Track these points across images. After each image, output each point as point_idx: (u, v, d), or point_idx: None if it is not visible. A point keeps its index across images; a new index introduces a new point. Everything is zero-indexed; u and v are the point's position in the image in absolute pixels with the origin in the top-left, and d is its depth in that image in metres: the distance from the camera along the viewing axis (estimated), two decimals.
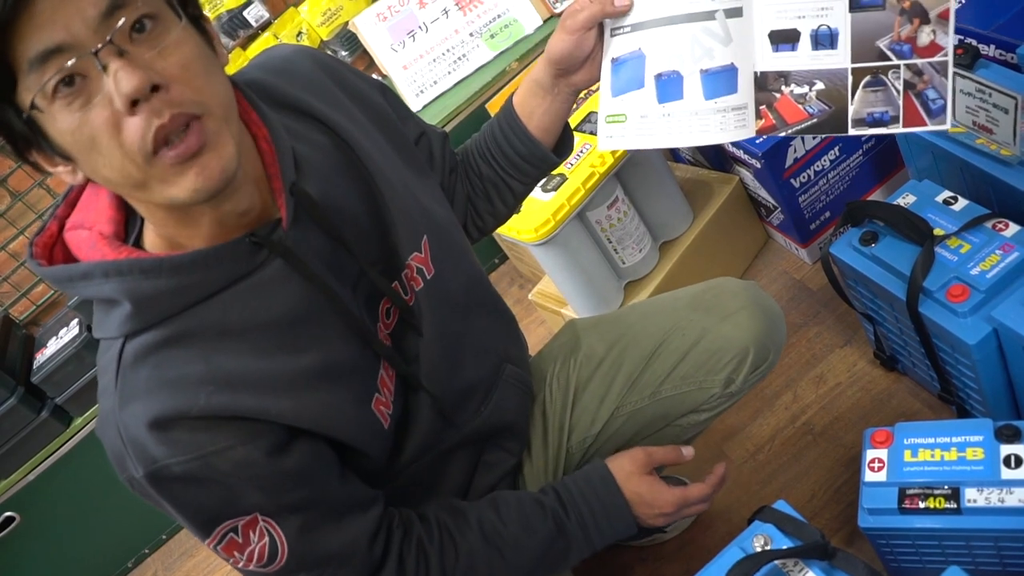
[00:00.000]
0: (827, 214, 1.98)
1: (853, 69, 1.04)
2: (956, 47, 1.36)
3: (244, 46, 2.70)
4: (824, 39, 1.04)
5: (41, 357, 2.40)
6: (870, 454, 1.30)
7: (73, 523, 2.52)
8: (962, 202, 1.41)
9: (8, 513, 2.40)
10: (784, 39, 1.06)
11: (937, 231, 1.37)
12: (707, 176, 2.12)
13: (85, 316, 2.44)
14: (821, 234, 2.00)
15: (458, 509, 1.18)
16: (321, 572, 1.04)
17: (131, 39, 0.80)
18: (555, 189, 1.84)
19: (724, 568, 1.09)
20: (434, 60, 2.54)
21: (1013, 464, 1.18)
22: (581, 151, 1.91)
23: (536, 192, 1.86)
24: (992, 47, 1.57)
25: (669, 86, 1.09)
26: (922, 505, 1.21)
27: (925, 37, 1.01)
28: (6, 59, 0.76)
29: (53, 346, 2.40)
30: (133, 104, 0.79)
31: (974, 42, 1.59)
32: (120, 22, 0.78)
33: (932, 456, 1.25)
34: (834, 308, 1.89)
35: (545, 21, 2.50)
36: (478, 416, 1.25)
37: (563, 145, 1.28)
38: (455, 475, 1.28)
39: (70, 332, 2.39)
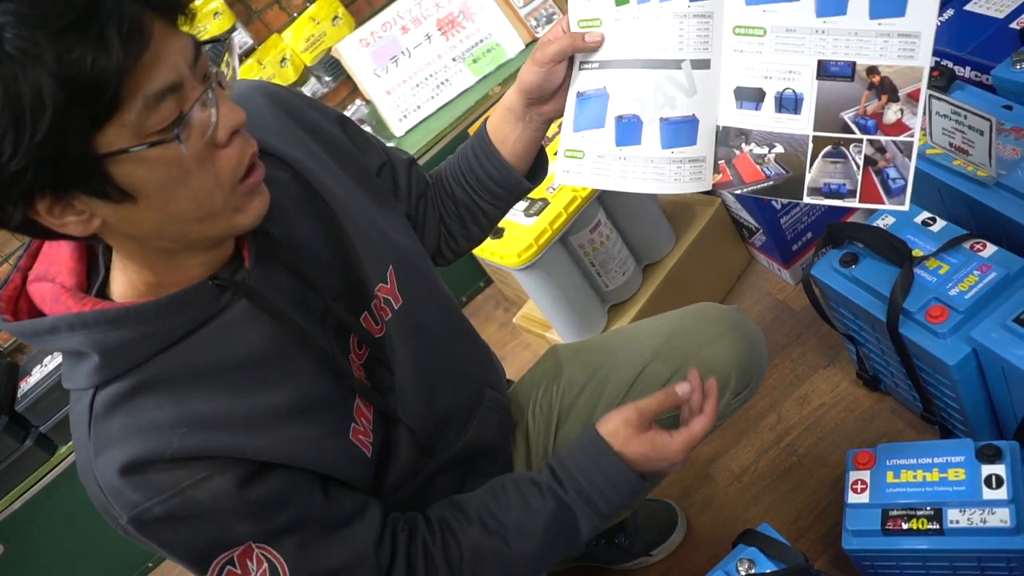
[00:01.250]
0: (808, 235, 1.99)
1: (815, 137, 1.01)
2: (932, 69, 1.38)
3: None
4: (788, 103, 1.02)
5: (25, 386, 2.39)
6: (853, 475, 1.31)
7: (58, 552, 2.49)
8: (940, 223, 1.43)
9: None
10: (749, 97, 1.04)
11: (916, 252, 1.39)
12: (689, 198, 2.13)
13: None
14: (803, 255, 2.01)
15: (458, 504, 1.16)
16: None
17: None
18: (537, 214, 1.84)
19: None
20: (417, 85, 2.56)
21: (994, 484, 1.18)
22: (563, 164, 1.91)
23: (519, 217, 1.87)
24: (968, 69, 1.59)
25: (628, 130, 1.08)
26: (905, 526, 1.22)
27: (892, 115, 0.98)
28: (118, 95, 0.75)
29: (38, 374, 2.39)
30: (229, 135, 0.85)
31: (950, 64, 1.61)
32: (211, 67, 0.84)
33: (914, 477, 1.25)
34: (817, 329, 1.90)
35: (527, 45, 2.52)
36: (458, 441, 1.24)
37: (536, 170, 1.28)
38: (440, 499, 1.27)
39: (55, 360, 2.38)
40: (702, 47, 1.04)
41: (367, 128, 2.59)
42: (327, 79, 2.72)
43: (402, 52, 2.56)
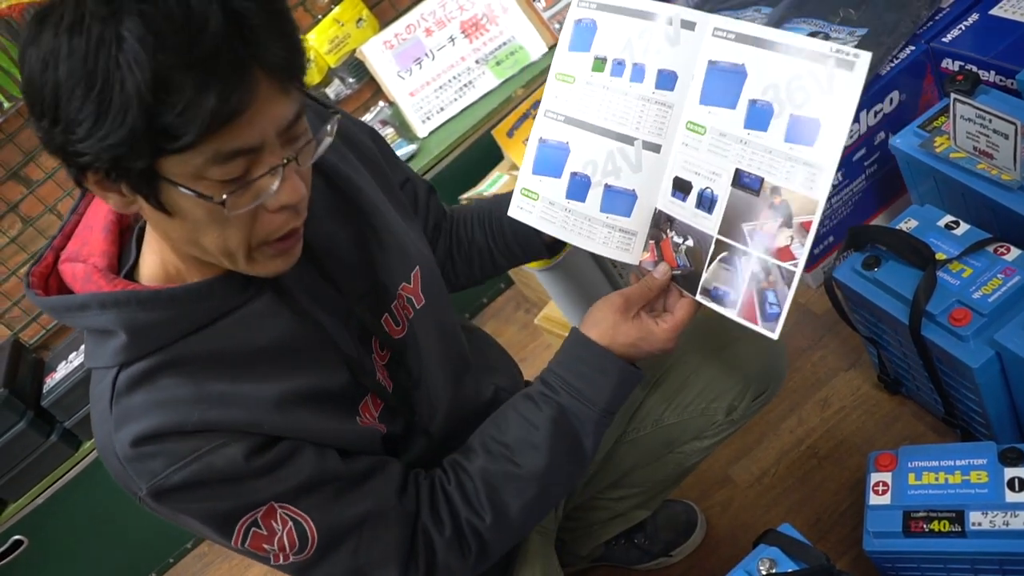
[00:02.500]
0: (830, 239, 1.99)
1: (717, 239, 1.04)
2: (957, 73, 1.38)
3: None
4: (706, 201, 1.06)
5: (51, 381, 2.41)
6: (874, 477, 1.31)
7: (81, 547, 2.52)
8: (964, 227, 1.43)
9: (16, 537, 2.40)
10: (681, 188, 1.09)
11: (939, 255, 1.39)
12: None
13: None
14: (825, 258, 2.01)
15: (465, 443, 1.16)
16: (360, 537, 1.02)
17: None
18: None
19: None
20: (440, 87, 2.57)
21: (1017, 487, 1.18)
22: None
23: None
24: (992, 73, 1.59)
25: (578, 186, 1.15)
26: (927, 528, 1.22)
27: (783, 239, 0.99)
28: (188, 147, 0.77)
29: (63, 370, 2.41)
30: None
31: (974, 68, 1.61)
32: (297, 133, 0.85)
33: (936, 479, 1.25)
34: (838, 332, 1.90)
35: (550, 48, 2.53)
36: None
37: (557, 245, 1.31)
38: None
39: (79, 357, 2.40)
40: (657, 132, 1.10)
41: (390, 130, 2.60)
42: (351, 81, 2.73)
43: (426, 54, 2.57)
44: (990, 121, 1.33)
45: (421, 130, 2.58)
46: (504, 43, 2.55)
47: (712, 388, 1.32)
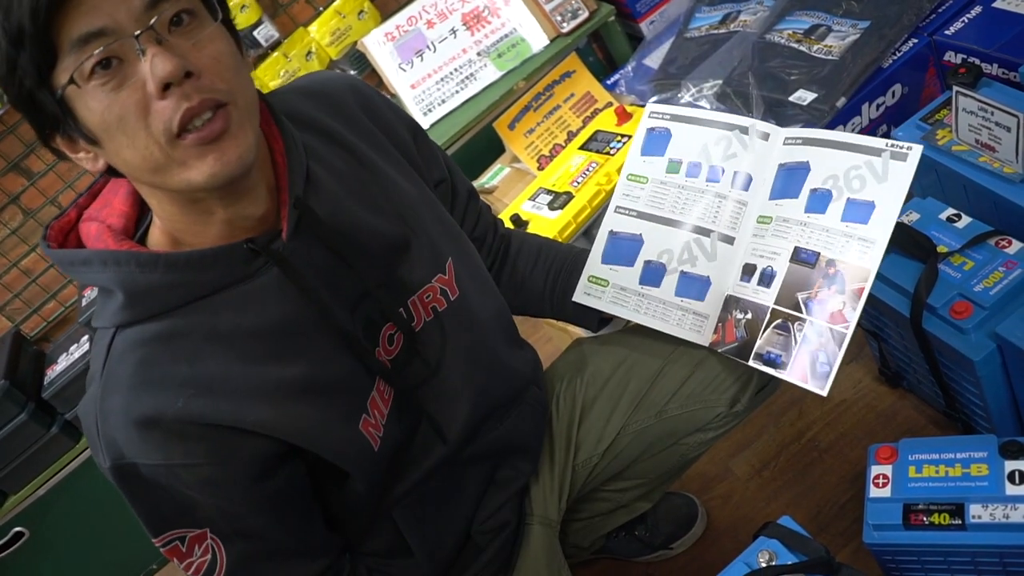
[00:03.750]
0: None
1: (772, 309, 1.15)
2: (959, 66, 1.38)
3: (254, 65, 2.72)
4: (767, 278, 1.17)
5: (52, 373, 2.41)
6: (875, 470, 1.31)
7: (82, 539, 2.52)
8: (965, 219, 1.42)
9: (17, 528, 2.40)
10: (747, 272, 1.20)
11: (940, 248, 1.38)
12: None
13: None
14: None
15: None
16: None
17: (169, 30, 0.85)
18: (562, 207, 1.85)
19: None
20: (442, 79, 2.57)
21: (1018, 480, 1.18)
22: (588, 169, 1.92)
23: (543, 211, 1.88)
24: (995, 66, 1.59)
25: (653, 273, 1.27)
26: (927, 521, 1.22)
27: (835, 304, 1.10)
28: (49, 41, 0.80)
29: (64, 362, 2.41)
30: (164, 88, 0.83)
31: (977, 61, 1.60)
32: (161, 14, 0.84)
33: (937, 472, 1.25)
34: None
35: (552, 40, 2.52)
36: (493, 432, 1.25)
37: (607, 320, 1.38)
38: (469, 490, 1.28)
39: (80, 348, 2.40)
40: (731, 226, 1.22)
41: None
42: (352, 72, 2.73)
43: (427, 46, 2.57)
44: (992, 114, 1.33)
45: (423, 122, 2.58)
46: (506, 35, 2.54)
47: (716, 380, 1.32)
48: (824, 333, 1.10)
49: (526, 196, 1.98)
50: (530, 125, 2.36)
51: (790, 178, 1.18)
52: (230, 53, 0.90)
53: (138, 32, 0.82)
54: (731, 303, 1.20)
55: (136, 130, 0.85)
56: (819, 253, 1.13)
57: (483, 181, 2.44)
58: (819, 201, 1.15)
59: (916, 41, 1.75)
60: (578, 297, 1.30)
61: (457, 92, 2.56)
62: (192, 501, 0.97)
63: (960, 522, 1.19)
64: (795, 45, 1.90)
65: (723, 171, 1.24)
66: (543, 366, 1.45)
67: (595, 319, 1.35)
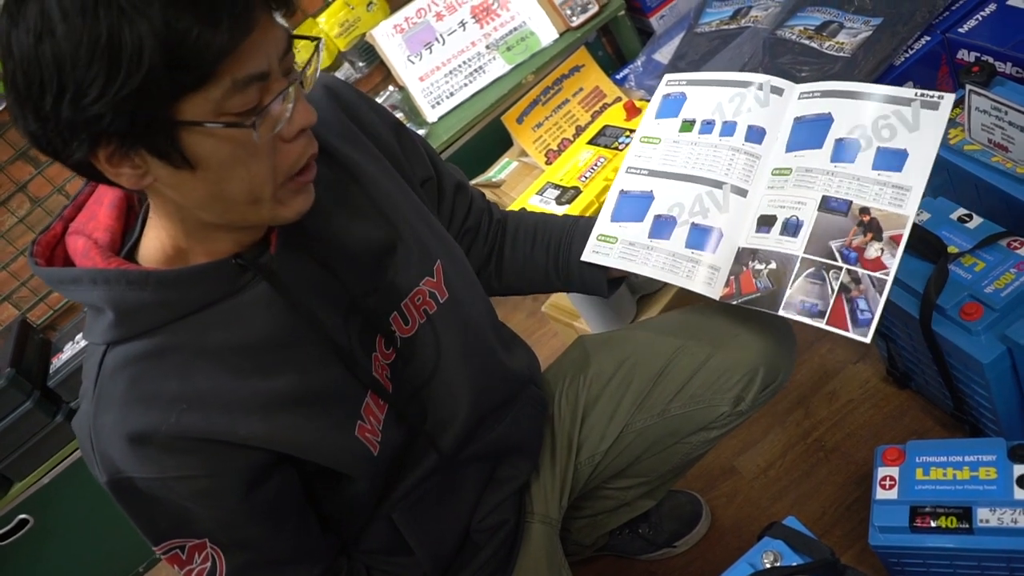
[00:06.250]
0: None
1: (803, 258, 1.13)
2: (972, 64, 1.37)
3: None
4: (791, 227, 1.15)
5: (57, 362, 2.41)
6: (882, 472, 1.30)
7: (86, 527, 2.52)
8: (977, 220, 1.41)
9: (22, 516, 2.41)
10: (765, 223, 1.18)
11: (951, 249, 1.37)
12: None
13: None
14: None
15: None
16: None
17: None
18: (569, 202, 1.84)
19: None
20: (451, 72, 2.55)
21: None
22: (596, 164, 1.91)
23: (551, 205, 1.87)
24: (1009, 64, 1.57)
25: (663, 227, 1.25)
26: (934, 524, 1.21)
27: (873, 252, 1.08)
28: (211, 73, 0.78)
29: (69, 351, 2.41)
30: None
31: (991, 59, 1.59)
32: (298, 63, 0.87)
33: (944, 475, 1.24)
34: None
35: (561, 34, 2.51)
36: (492, 432, 1.25)
37: (616, 283, 1.35)
38: (469, 489, 1.28)
39: None
40: (744, 178, 1.21)
41: (399, 114, 2.59)
42: (360, 65, 2.72)
43: (436, 39, 2.56)
44: (1006, 113, 1.31)
45: (431, 115, 2.57)
46: (515, 28, 2.53)
47: (720, 379, 1.31)
48: (863, 280, 1.07)
49: (534, 190, 1.97)
50: (538, 119, 2.35)
51: (810, 130, 1.18)
52: None
53: (296, 79, 0.85)
54: (746, 255, 1.18)
55: (260, 167, 0.86)
56: (851, 201, 1.11)
57: (490, 175, 2.43)
58: (846, 150, 1.14)
59: (929, 39, 1.73)
60: (587, 256, 1.28)
61: (466, 85, 2.55)
62: (189, 512, 0.97)
63: (968, 526, 1.18)
64: (806, 41, 1.88)
65: (736, 125, 1.24)
66: (548, 362, 1.45)
67: (604, 284, 1.32)
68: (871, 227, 1.08)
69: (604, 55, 2.81)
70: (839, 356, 1.85)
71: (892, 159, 1.10)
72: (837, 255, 1.10)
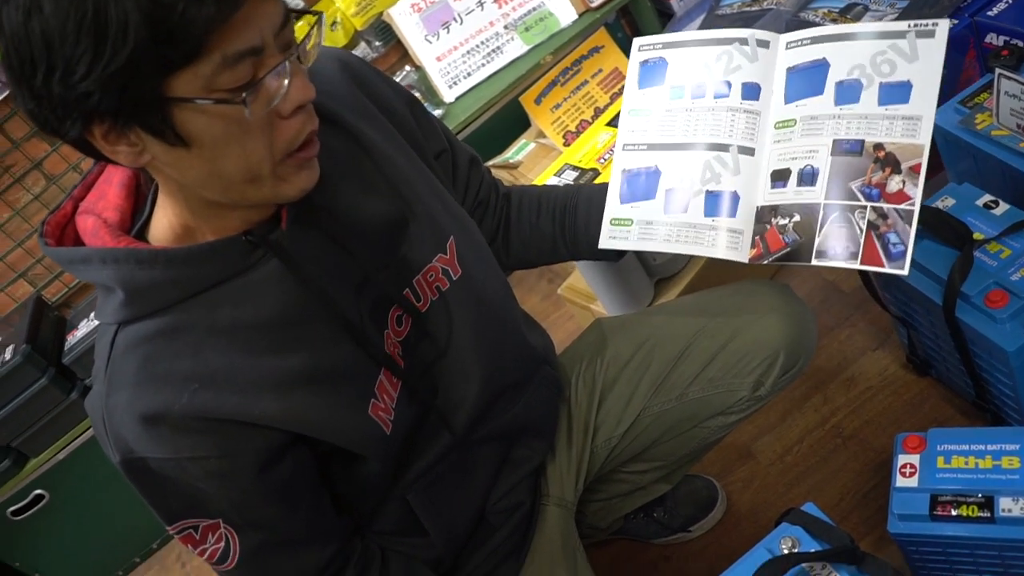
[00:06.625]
0: None
1: (825, 205, 1.11)
2: (1001, 48, 1.35)
3: None
4: (807, 177, 1.13)
5: (72, 339, 2.42)
6: (902, 459, 1.28)
7: (101, 502, 2.54)
8: (1003, 206, 1.39)
9: (38, 491, 2.42)
10: (779, 178, 1.16)
11: (977, 235, 1.35)
12: None
13: None
14: None
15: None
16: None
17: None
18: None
19: (751, 569, 1.08)
20: (468, 52, 2.53)
21: None
22: (613, 148, 1.89)
23: None
24: None
25: (677, 200, 1.22)
26: (954, 513, 1.20)
27: (895, 185, 1.07)
28: (200, 48, 0.76)
29: (84, 328, 2.42)
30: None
31: (1020, 43, 1.56)
32: (298, 37, 0.85)
33: (966, 463, 1.23)
34: (866, 311, 1.87)
35: (580, 15, 2.49)
36: (507, 413, 1.24)
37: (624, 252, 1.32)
38: (483, 470, 1.27)
39: None
40: (749, 137, 1.19)
41: (416, 94, 2.57)
42: (377, 44, 2.70)
43: (454, 18, 2.54)
44: None
45: (448, 95, 2.55)
46: (534, 8, 2.51)
47: (739, 363, 1.30)
48: (891, 214, 1.07)
49: (551, 172, 1.96)
50: (557, 100, 2.33)
51: (807, 77, 1.16)
52: None
53: (292, 54, 0.83)
54: (766, 213, 1.16)
55: (256, 144, 0.84)
56: (863, 140, 1.10)
57: (508, 156, 2.42)
58: (849, 92, 1.13)
59: (956, 22, 1.70)
60: (604, 243, 1.25)
61: (483, 65, 2.53)
62: (203, 493, 0.97)
63: (989, 515, 1.17)
64: (830, 24, 1.86)
65: (730, 85, 1.21)
66: (564, 344, 1.44)
67: (613, 252, 1.30)
68: (888, 161, 1.08)
69: (623, 36, 2.79)
70: (858, 342, 1.84)
71: (897, 92, 1.09)
72: (859, 195, 1.09)
